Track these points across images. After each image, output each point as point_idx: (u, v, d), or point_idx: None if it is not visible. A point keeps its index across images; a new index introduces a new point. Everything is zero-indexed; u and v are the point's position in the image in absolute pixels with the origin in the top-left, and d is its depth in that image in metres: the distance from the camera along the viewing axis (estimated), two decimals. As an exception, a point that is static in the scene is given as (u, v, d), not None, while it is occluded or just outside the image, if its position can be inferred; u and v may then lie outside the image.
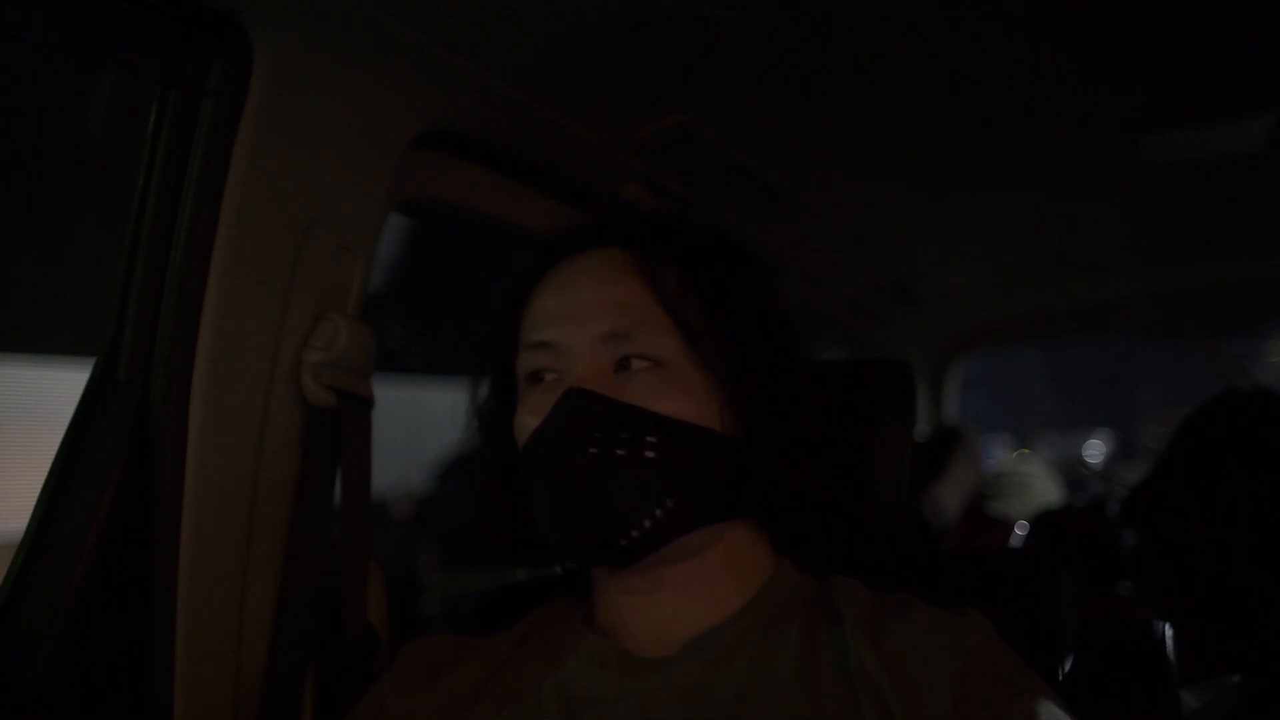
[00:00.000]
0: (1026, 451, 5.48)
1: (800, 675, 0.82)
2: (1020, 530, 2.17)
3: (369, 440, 1.23)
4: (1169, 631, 1.07)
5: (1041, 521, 2.12)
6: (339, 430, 1.19)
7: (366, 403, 1.23)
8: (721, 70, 1.40)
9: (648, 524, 0.83)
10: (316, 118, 1.13)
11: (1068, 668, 0.93)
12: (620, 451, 0.83)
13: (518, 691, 0.89)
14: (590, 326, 0.87)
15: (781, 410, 0.88)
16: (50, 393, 1.18)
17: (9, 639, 1.00)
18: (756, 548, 0.92)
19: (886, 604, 0.87)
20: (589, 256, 0.92)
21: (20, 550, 1.02)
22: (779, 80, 1.46)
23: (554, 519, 0.86)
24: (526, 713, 0.87)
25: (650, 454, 0.83)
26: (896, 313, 2.87)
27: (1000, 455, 5.55)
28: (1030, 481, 2.36)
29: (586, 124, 1.49)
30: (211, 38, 1.06)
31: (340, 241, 1.19)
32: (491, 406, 0.97)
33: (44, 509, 1.02)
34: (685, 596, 0.88)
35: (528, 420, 0.88)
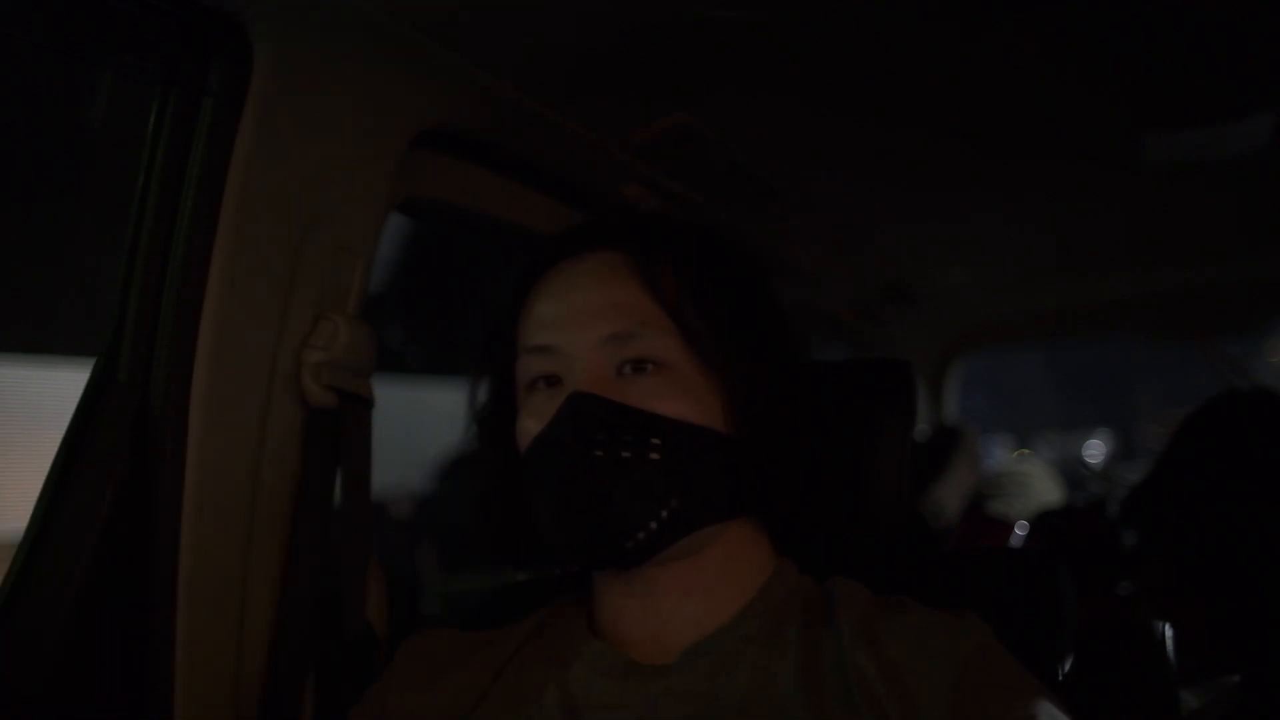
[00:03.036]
0: (1026, 451, 5.48)
1: (802, 684, 0.82)
2: (1020, 530, 2.17)
3: (369, 440, 1.23)
4: (1169, 631, 1.07)
5: (1041, 521, 2.12)
6: (339, 430, 1.19)
7: (366, 403, 1.23)
8: (722, 71, 1.40)
9: (654, 525, 0.83)
10: (316, 118, 1.13)
11: (1068, 668, 0.93)
12: (625, 454, 0.83)
13: (521, 695, 0.89)
14: (591, 330, 0.87)
15: (782, 408, 0.88)
16: (50, 393, 1.18)
17: (9, 639, 1.00)
18: (757, 548, 0.92)
19: (883, 606, 0.87)
20: (586, 259, 0.92)
21: (20, 550, 1.02)
22: (779, 80, 1.46)
23: (559, 522, 0.85)
24: (529, 717, 0.87)
25: (655, 456, 0.83)
26: (896, 313, 2.88)
27: (1000, 455, 5.55)
28: (1030, 481, 2.37)
29: (586, 124, 1.49)
30: (211, 38, 1.06)
31: (340, 241, 1.19)
32: (490, 411, 0.97)
33: (44, 509, 1.02)
34: (685, 600, 0.88)
35: (530, 425, 0.88)
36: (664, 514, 0.83)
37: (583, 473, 0.83)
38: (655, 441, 0.84)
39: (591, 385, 0.85)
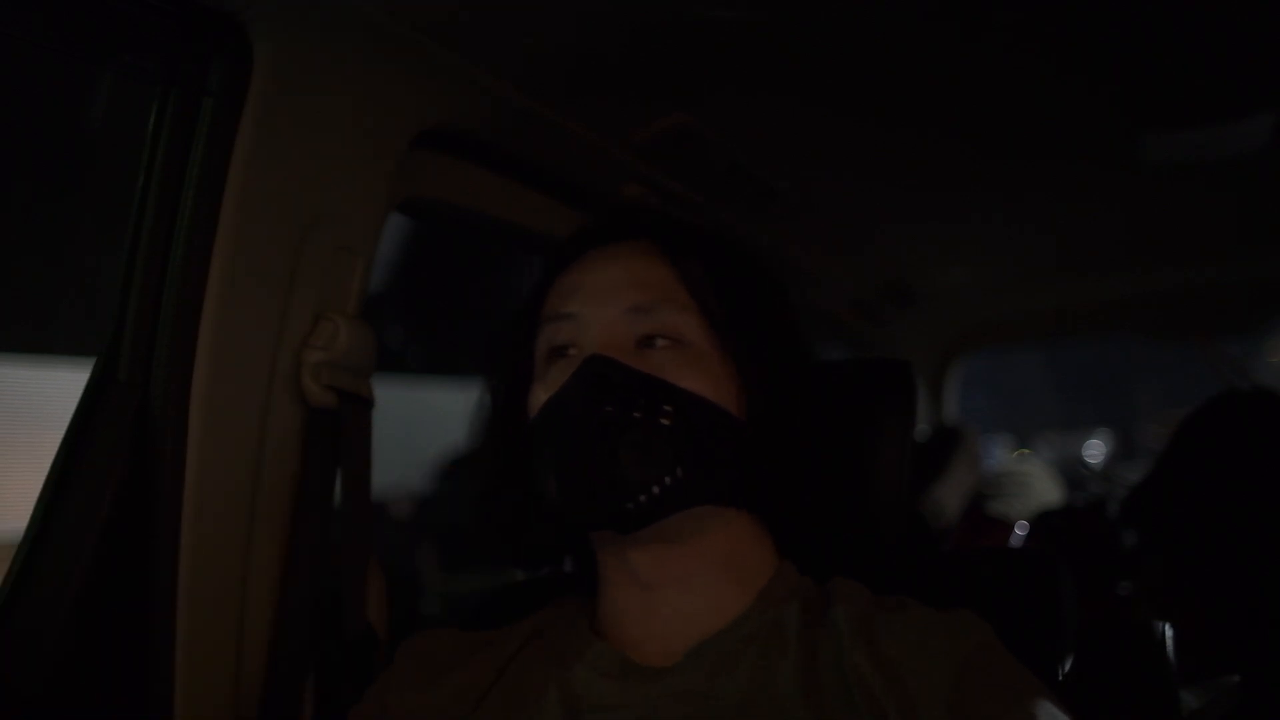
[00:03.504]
0: (1026, 451, 5.48)
1: (802, 684, 0.82)
2: (1020, 530, 2.17)
3: (369, 440, 1.23)
4: (1169, 631, 1.07)
5: (1041, 521, 2.12)
6: (339, 430, 1.19)
7: (366, 403, 1.23)
8: (722, 71, 1.41)
9: (656, 490, 0.83)
10: (316, 118, 1.14)
11: (1068, 668, 0.93)
12: (636, 414, 0.84)
13: (522, 695, 0.89)
14: (614, 301, 0.88)
15: (793, 401, 0.90)
16: (50, 393, 1.18)
17: (9, 639, 1.00)
18: (760, 548, 0.92)
19: (883, 606, 0.87)
20: (616, 244, 0.94)
21: (20, 550, 1.02)
22: (779, 81, 1.46)
23: (564, 479, 0.85)
24: (530, 718, 0.87)
25: (665, 422, 0.84)
26: (896, 313, 2.88)
27: (1000, 455, 5.54)
28: (1030, 481, 2.36)
29: (586, 124, 1.49)
30: (211, 38, 1.06)
31: (340, 241, 1.19)
32: (506, 385, 0.96)
33: (44, 509, 1.02)
34: (686, 593, 0.88)
35: (543, 396, 0.88)
36: (668, 480, 0.84)
37: (593, 428, 0.83)
38: (667, 408, 0.84)
39: (608, 350, 0.86)
